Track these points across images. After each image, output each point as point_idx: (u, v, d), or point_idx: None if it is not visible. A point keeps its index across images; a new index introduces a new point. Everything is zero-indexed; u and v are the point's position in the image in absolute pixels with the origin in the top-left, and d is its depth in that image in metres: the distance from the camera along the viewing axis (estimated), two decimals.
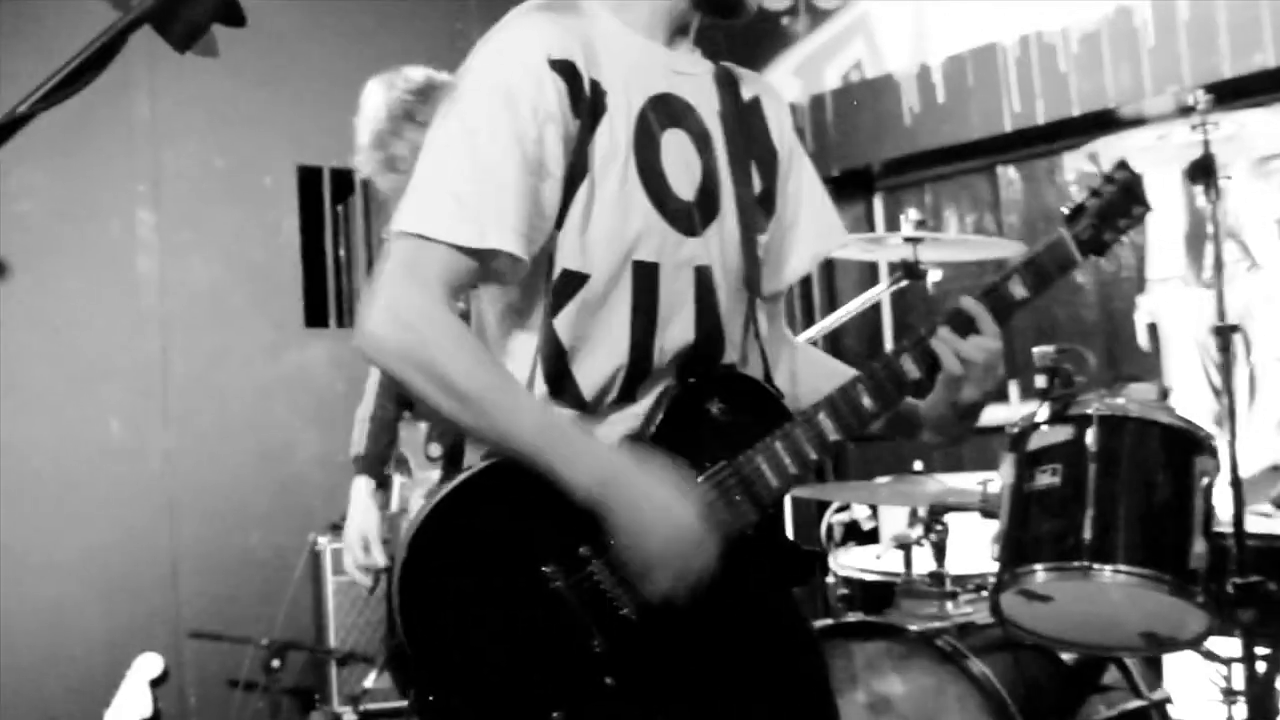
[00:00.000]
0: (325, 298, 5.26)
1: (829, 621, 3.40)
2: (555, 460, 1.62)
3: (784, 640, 1.91)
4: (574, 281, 1.73)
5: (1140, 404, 3.13)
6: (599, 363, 1.75)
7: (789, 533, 1.90)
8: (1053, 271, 1.97)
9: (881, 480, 3.89)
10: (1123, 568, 2.80)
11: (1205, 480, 2.93)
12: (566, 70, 1.69)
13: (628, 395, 1.77)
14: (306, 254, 5.14)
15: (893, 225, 5.51)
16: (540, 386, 1.75)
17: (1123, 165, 2.03)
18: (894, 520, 4.37)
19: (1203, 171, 3.08)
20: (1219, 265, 3.09)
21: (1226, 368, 2.95)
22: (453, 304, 1.65)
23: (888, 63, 5.44)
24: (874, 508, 4.35)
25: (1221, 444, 2.97)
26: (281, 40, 4.90)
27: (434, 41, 5.32)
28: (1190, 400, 3.81)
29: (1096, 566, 2.80)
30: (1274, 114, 4.33)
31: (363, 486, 3.32)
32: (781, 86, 5.79)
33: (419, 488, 3.32)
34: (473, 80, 1.71)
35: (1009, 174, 5.36)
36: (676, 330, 1.79)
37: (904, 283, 3.65)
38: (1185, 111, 3.20)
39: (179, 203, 4.74)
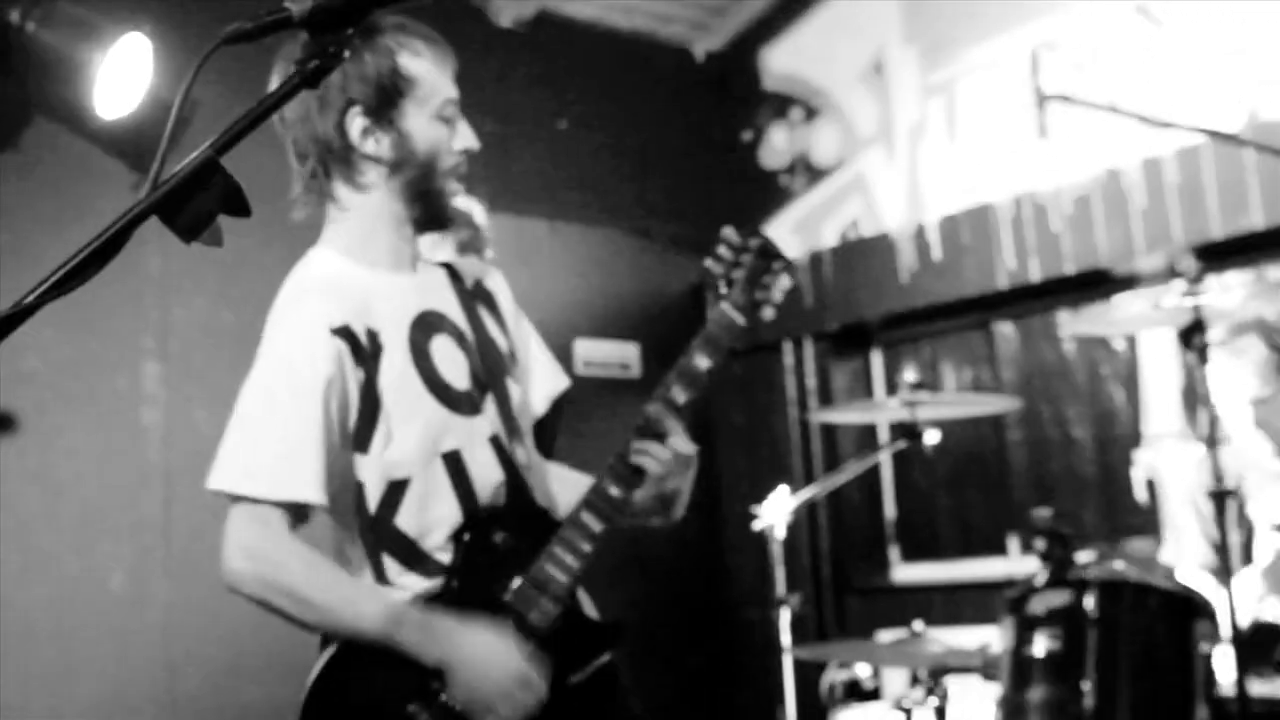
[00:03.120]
0: None
1: None
2: (403, 641, 2.02)
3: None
4: (400, 487, 2.11)
5: (1139, 568, 3.14)
6: (441, 542, 2.13)
7: (587, 614, 2.26)
8: (722, 337, 2.25)
9: (883, 637, 3.87)
10: None
11: (1205, 645, 2.93)
12: (345, 333, 2.09)
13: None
14: None
15: (891, 381, 5.57)
16: (401, 574, 2.13)
17: (754, 233, 2.33)
18: (896, 678, 4.33)
19: (1194, 336, 3.12)
20: (1213, 428, 3.11)
21: (1222, 531, 2.96)
22: (291, 531, 2.05)
23: (884, 221, 5.54)
24: (876, 667, 4.31)
25: (1220, 607, 2.97)
26: (290, 200, 5.00)
27: None
28: (1189, 555, 3.80)
29: None
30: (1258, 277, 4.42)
31: None
32: (780, 243, 5.90)
33: None
34: (269, 355, 2.14)
35: (1005, 330, 5.42)
36: (491, 492, 2.18)
37: (903, 444, 3.68)
38: (1174, 276, 3.25)
39: (185, 356, 4.78)
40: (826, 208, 5.80)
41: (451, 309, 2.27)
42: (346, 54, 1.49)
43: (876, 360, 5.83)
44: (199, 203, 1.49)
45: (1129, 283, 4.81)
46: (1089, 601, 2.93)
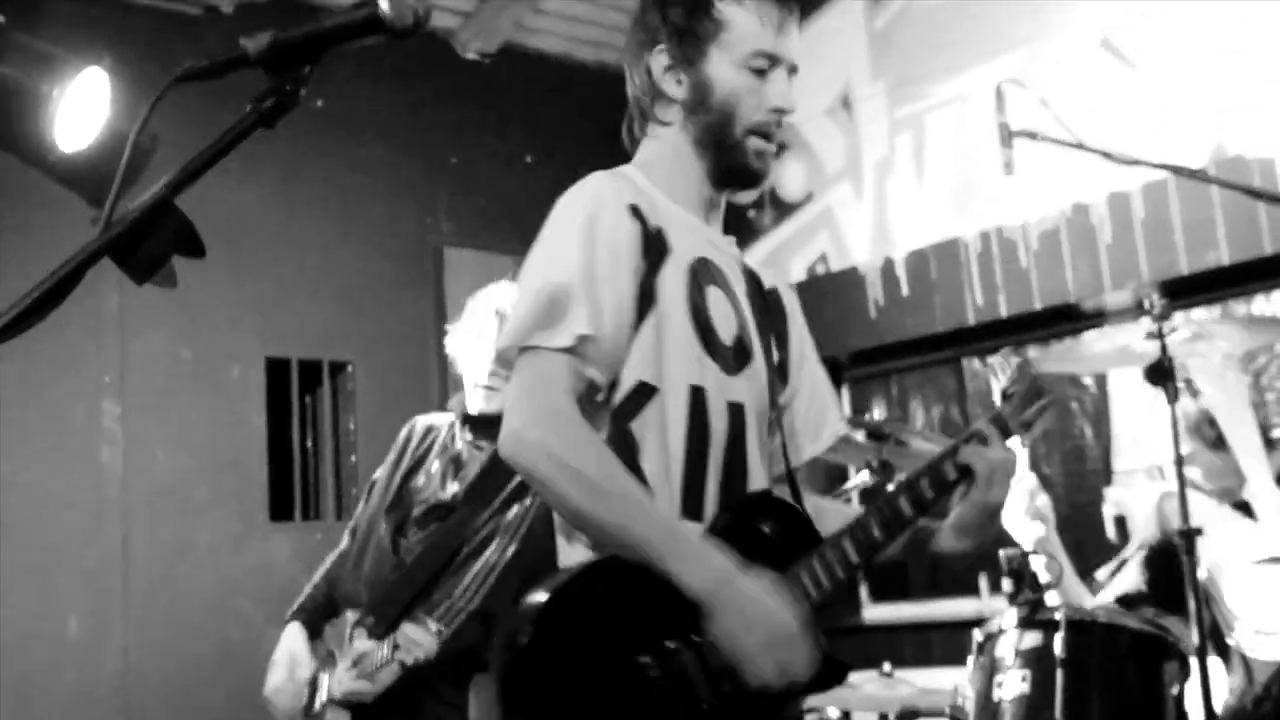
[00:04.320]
0: (291, 491, 5.21)
1: None
2: (672, 560, 1.84)
3: None
4: (647, 392, 2.00)
5: (1108, 607, 3.12)
6: (658, 466, 1.99)
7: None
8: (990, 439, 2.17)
9: (853, 679, 3.83)
10: None
11: (1176, 686, 2.90)
12: (637, 214, 2.01)
13: (686, 508, 2.00)
14: (273, 446, 5.11)
15: (859, 417, 5.53)
16: None
17: (1029, 363, 2.31)
18: None
19: (1160, 374, 3.11)
20: (1180, 466, 3.09)
21: (1191, 571, 2.93)
22: (578, 407, 1.90)
23: (852, 256, 5.54)
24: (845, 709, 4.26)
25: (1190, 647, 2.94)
26: (251, 234, 4.96)
27: (403, 240, 5.38)
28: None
29: None
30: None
31: (294, 630, 3.21)
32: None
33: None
34: (563, 217, 2.02)
35: (974, 366, 5.41)
36: (716, 452, 2.04)
37: (871, 481, 3.66)
38: (1141, 311, 3.24)
39: (145, 393, 4.73)
40: (794, 242, 5.79)
41: (735, 282, 2.17)
42: (303, 92, 1.46)
43: (845, 396, 5.81)
44: (152, 244, 1.46)
45: (1098, 319, 4.81)
46: (1058, 642, 2.90)
